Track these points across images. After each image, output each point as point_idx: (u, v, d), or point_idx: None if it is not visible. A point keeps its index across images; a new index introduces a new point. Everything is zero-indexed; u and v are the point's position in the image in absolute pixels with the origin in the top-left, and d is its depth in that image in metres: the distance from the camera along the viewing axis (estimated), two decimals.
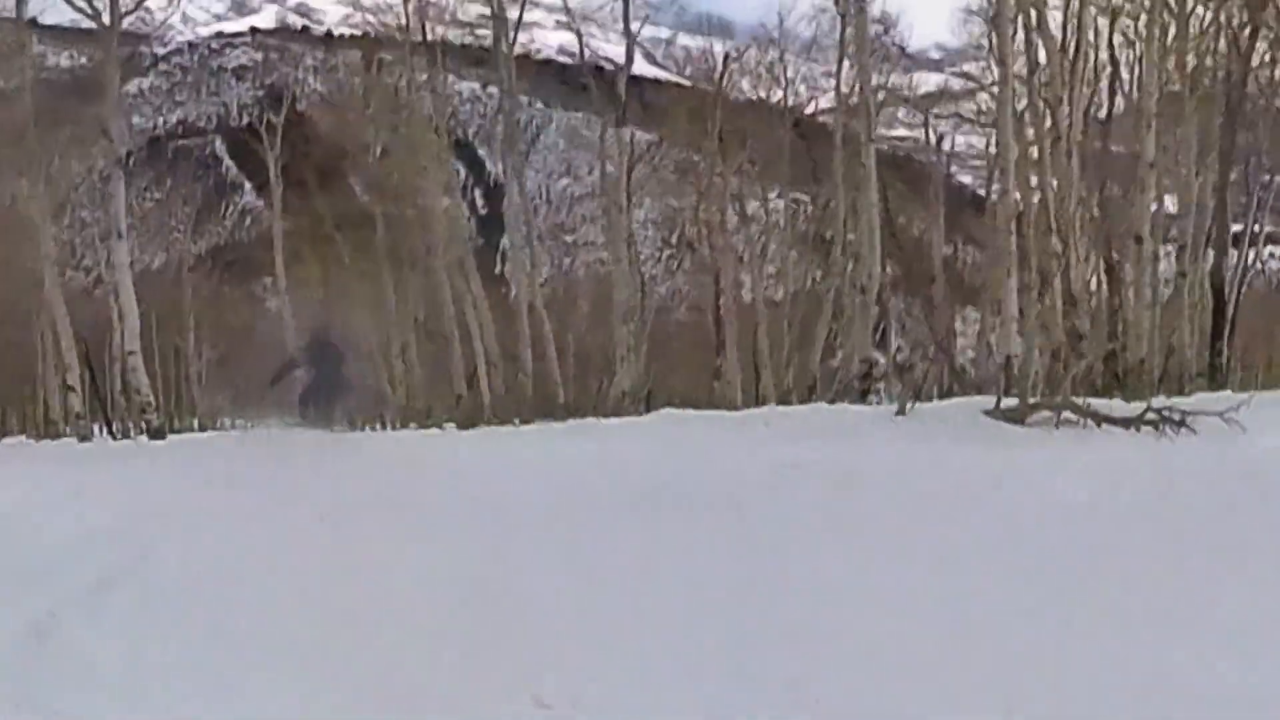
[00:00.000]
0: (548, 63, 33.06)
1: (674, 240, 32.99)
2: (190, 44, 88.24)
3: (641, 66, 26.92)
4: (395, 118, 29.65)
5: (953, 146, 31.88)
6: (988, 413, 10.94)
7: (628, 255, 23.82)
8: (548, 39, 29.56)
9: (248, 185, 68.12)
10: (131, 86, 40.85)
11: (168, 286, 38.67)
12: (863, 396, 17.51)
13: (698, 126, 27.60)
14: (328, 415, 14.64)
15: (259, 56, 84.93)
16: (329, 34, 49.73)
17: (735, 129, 27.32)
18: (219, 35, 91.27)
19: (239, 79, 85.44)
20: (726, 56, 28.03)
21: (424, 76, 28.83)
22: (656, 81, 26.00)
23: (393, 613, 5.19)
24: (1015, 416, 10.67)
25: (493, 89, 31.17)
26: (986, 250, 25.29)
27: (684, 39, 24.11)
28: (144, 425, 19.43)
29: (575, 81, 24.81)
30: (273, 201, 27.92)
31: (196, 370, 37.16)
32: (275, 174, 29.45)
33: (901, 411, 11.48)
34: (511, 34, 25.22)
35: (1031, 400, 11.38)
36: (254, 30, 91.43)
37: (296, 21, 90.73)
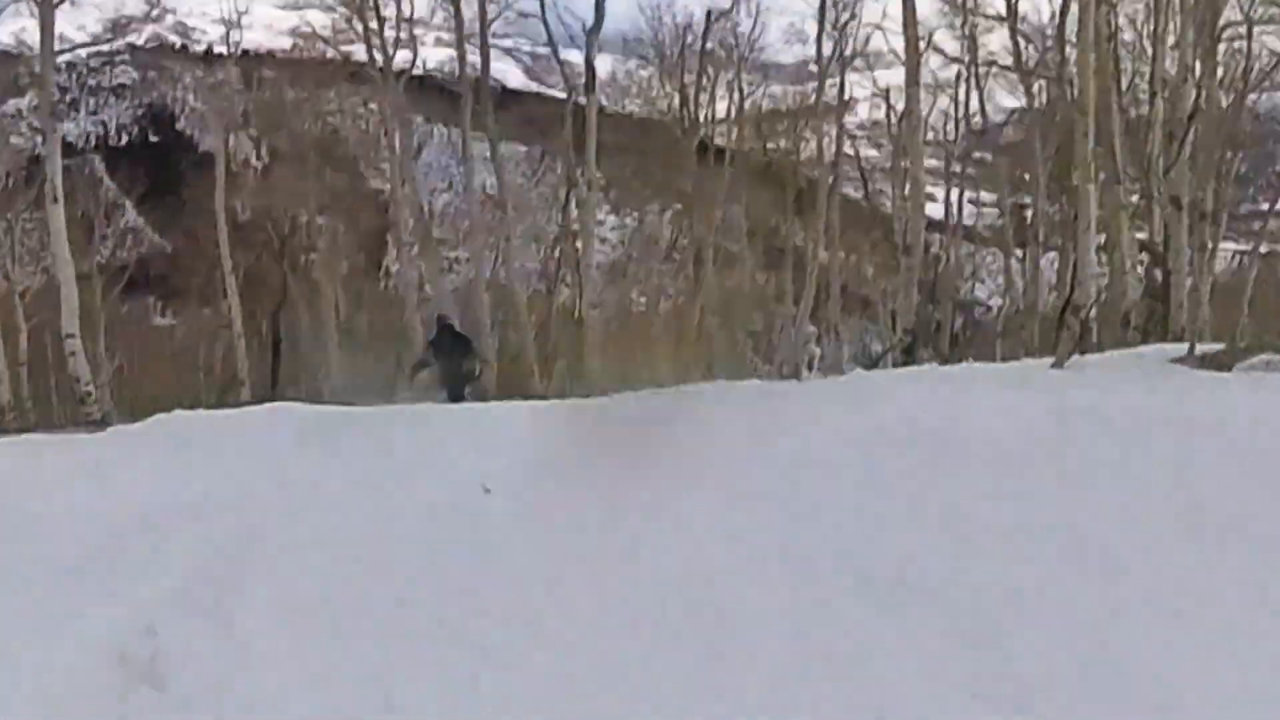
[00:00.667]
0: (427, 78, 32.49)
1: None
2: (69, 63, 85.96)
3: (522, 81, 26.67)
4: (277, 135, 29.04)
5: (837, 158, 31.79)
6: (1177, 360, 9.65)
7: None
8: (426, 55, 29.26)
9: (129, 204, 66.47)
10: (9, 107, 39.41)
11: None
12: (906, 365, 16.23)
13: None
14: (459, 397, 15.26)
15: (138, 75, 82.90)
16: (208, 51, 48.43)
17: (614, 143, 27.07)
18: (98, 54, 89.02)
19: (118, 97, 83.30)
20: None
21: (304, 94, 28.30)
22: (538, 96, 25.58)
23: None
24: (1222, 364, 9.35)
25: (374, 105, 30.61)
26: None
27: (564, 53, 23.81)
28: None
29: (456, 97, 24.29)
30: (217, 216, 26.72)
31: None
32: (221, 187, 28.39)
33: (1059, 365, 9.98)
34: (392, 51, 24.97)
35: (1241, 345, 10.47)
36: (133, 48, 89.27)
37: (175, 40, 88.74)
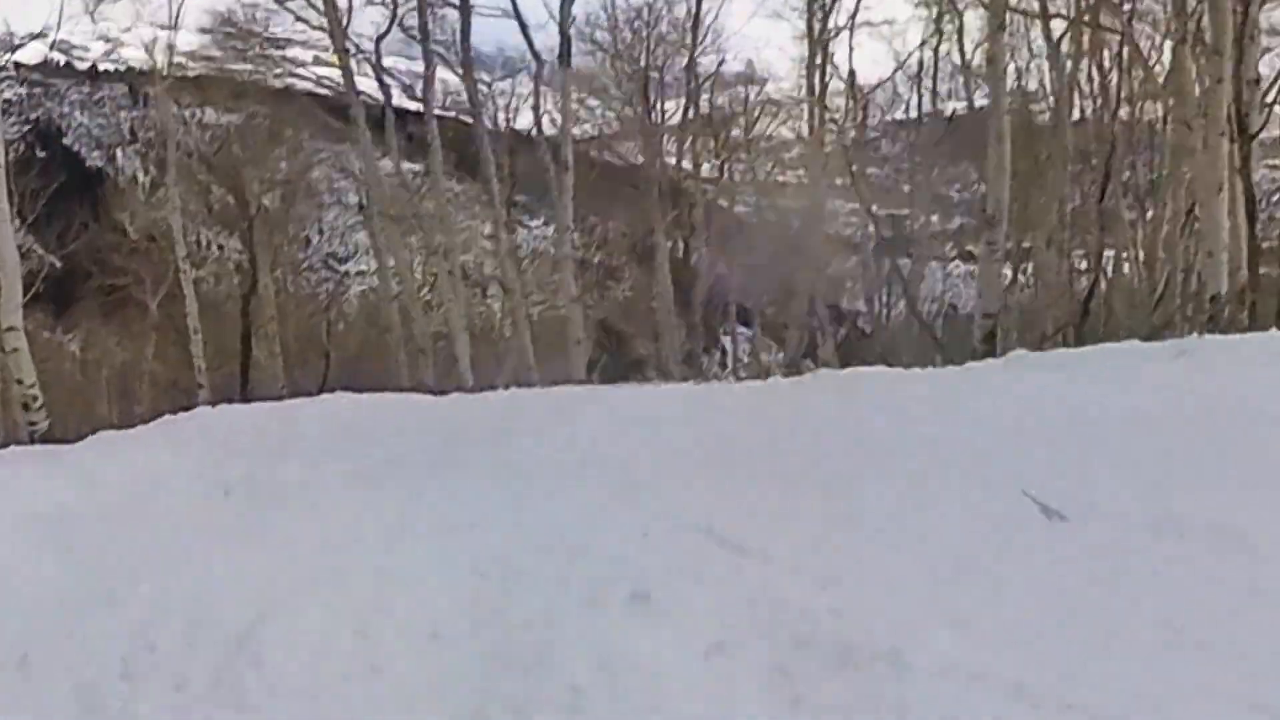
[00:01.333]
0: (311, 95, 32.24)
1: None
2: None
3: (403, 100, 26.64)
4: (162, 151, 28.67)
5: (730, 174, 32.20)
6: None
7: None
8: (309, 72, 29.01)
9: (16, 221, 64.81)
10: None
11: None
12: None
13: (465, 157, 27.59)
14: None
15: (23, 92, 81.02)
16: (93, 69, 47.60)
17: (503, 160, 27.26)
18: None
19: (4, 115, 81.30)
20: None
21: (188, 111, 28.03)
22: (419, 114, 25.62)
23: None
24: None
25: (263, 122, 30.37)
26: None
27: (442, 73, 23.91)
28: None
29: (341, 114, 24.22)
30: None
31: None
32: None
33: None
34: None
35: None
36: (18, 65, 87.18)
37: (59, 58, 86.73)
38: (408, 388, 21.87)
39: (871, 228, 25.69)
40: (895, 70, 27.78)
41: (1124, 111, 23.26)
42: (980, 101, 29.23)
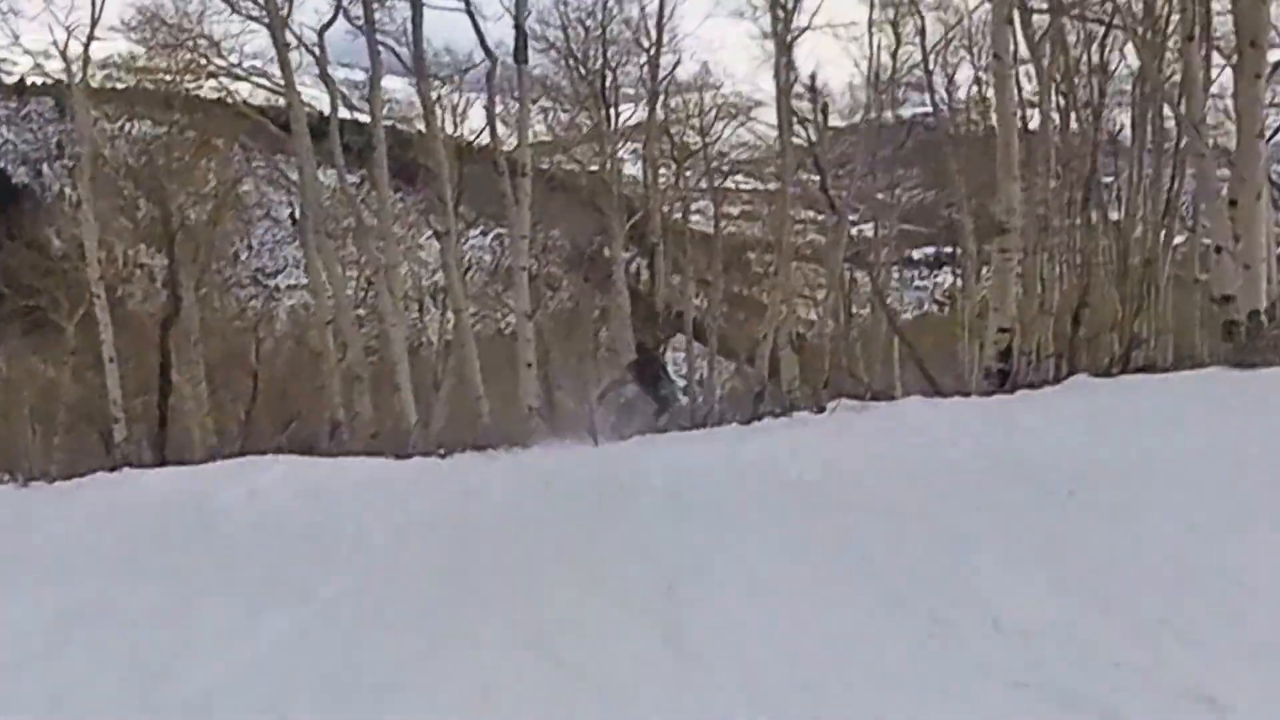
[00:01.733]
0: (247, 104, 30.72)
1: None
2: None
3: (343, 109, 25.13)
4: (92, 166, 27.18)
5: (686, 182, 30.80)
6: None
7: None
8: (241, 84, 27.68)
9: None
10: None
11: None
12: (1001, 381, 12.59)
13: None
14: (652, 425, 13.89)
15: None
16: (20, 83, 45.76)
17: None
18: None
19: None
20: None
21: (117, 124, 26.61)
22: (357, 124, 24.27)
23: None
24: None
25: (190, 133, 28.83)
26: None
27: (386, 81, 22.41)
28: None
29: (278, 121, 22.69)
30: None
31: None
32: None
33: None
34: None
35: None
36: None
37: None
38: (341, 421, 20.32)
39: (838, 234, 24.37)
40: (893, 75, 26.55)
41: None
42: (915, 110, 28.69)
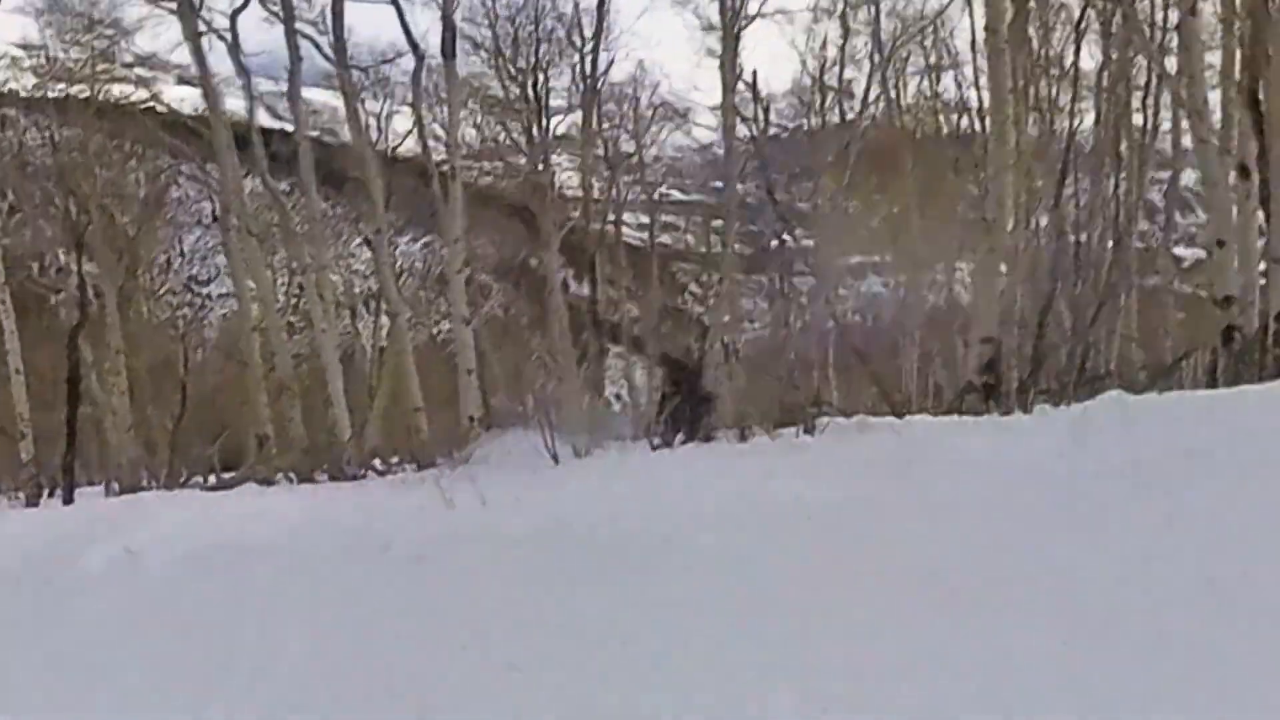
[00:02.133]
0: (173, 115, 29.62)
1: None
2: None
3: (267, 119, 24.23)
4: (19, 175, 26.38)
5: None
6: None
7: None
8: (170, 94, 26.69)
9: None
10: None
11: None
12: (987, 397, 11.31)
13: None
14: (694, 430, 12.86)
15: None
16: None
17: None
18: None
19: None
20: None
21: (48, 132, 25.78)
22: (284, 133, 23.38)
23: None
24: None
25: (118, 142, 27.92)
26: None
27: (306, 92, 21.47)
28: None
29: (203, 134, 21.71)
30: None
31: None
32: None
33: None
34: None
35: None
36: None
37: None
38: (269, 435, 19.36)
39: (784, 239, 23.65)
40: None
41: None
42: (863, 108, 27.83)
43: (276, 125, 23.91)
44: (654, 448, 11.42)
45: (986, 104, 16.92)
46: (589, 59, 25.19)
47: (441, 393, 23.73)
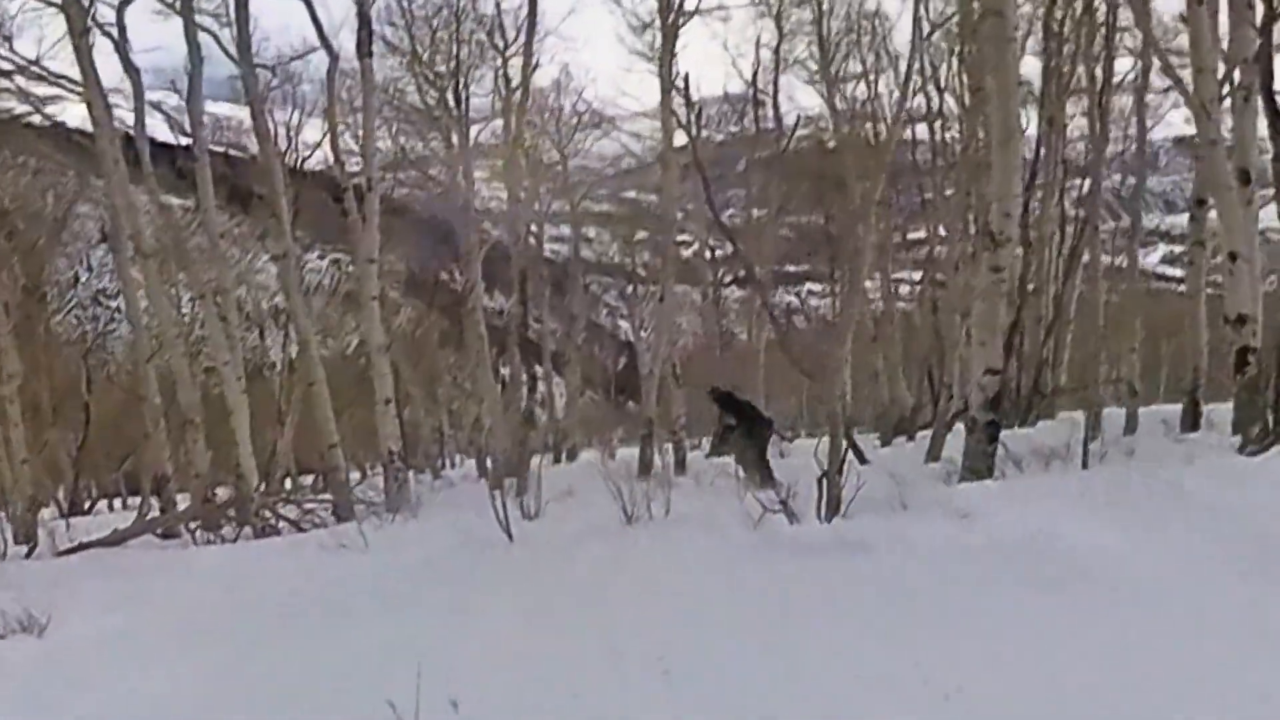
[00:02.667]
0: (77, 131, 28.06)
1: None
2: None
3: (167, 134, 22.77)
4: None
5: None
6: None
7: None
8: (73, 111, 25.26)
9: None
10: None
11: None
12: (991, 436, 9.80)
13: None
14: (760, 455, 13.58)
15: None
16: None
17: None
18: None
19: None
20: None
21: None
22: (188, 149, 22.00)
23: None
24: None
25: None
26: None
27: (210, 106, 20.07)
28: None
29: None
30: None
31: None
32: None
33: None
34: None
35: None
36: None
37: None
38: (169, 475, 17.94)
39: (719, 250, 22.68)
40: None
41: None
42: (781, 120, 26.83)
43: (178, 141, 22.45)
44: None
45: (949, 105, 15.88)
46: (511, 63, 23.85)
47: (356, 416, 22.49)
